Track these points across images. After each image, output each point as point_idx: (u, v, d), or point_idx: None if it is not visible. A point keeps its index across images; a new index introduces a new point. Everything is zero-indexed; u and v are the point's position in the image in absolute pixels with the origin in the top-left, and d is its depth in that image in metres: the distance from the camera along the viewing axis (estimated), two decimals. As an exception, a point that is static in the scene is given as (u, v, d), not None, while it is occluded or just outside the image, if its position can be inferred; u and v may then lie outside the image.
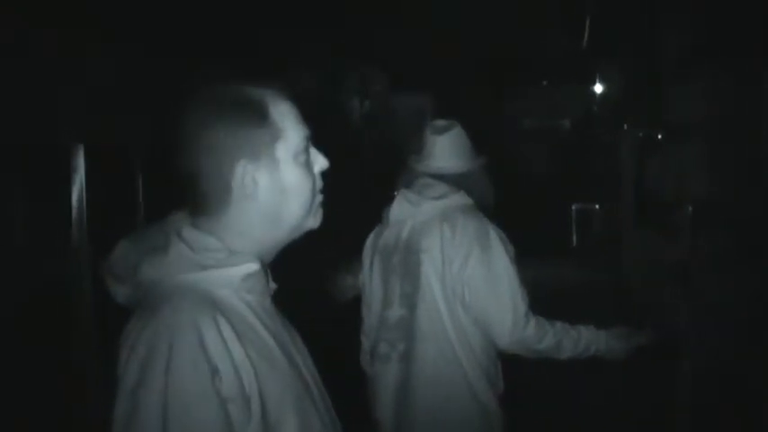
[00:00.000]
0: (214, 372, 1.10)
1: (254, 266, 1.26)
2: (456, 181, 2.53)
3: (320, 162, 1.34)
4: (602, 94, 6.58)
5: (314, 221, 1.34)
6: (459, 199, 2.48)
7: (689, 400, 3.66)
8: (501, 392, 2.49)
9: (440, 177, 2.54)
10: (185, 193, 1.28)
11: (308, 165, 1.31)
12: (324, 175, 1.35)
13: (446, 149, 2.55)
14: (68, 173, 3.36)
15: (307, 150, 1.31)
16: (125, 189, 3.87)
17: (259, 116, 1.25)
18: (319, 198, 1.34)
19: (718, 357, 3.43)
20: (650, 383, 3.79)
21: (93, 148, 3.42)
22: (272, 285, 1.35)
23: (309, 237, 1.36)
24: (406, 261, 2.47)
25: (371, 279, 2.60)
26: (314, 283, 2.88)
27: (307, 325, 1.47)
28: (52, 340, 3.15)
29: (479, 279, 2.36)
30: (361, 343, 2.68)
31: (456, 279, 2.38)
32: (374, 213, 2.69)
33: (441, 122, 2.60)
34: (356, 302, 2.74)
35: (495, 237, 2.40)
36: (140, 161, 3.95)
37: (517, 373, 2.59)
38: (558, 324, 2.39)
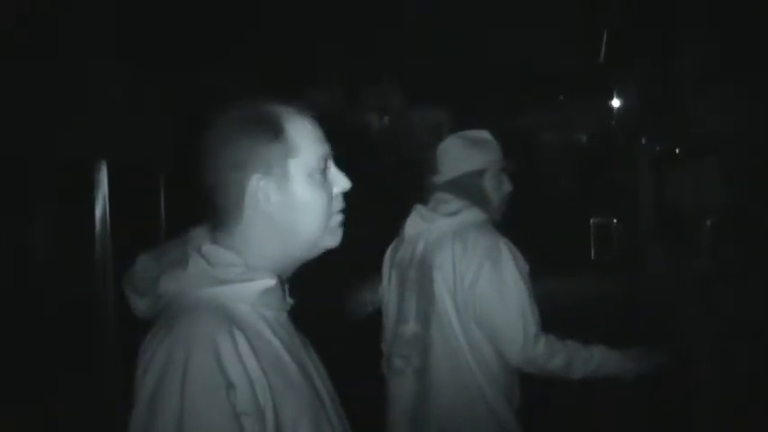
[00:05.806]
0: (229, 385, 1.13)
1: (271, 282, 1.27)
2: (448, 188, 2.51)
3: (340, 183, 1.34)
4: (619, 108, 6.56)
5: (331, 241, 1.35)
6: (472, 215, 2.47)
7: (707, 416, 3.63)
8: (517, 406, 2.48)
9: (441, 187, 2.53)
10: (205, 207, 1.31)
11: (323, 184, 1.31)
12: (346, 195, 1.35)
13: (441, 157, 2.54)
14: (92, 188, 3.41)
15: (323, 170, 1.32)
16: (148, 204, 3.91)
17: (274, 131, 1.27)
18: (338, 218, 1.35)
19: (738, 371, 3.41)
20: (668, 400, 3.77)
21: (116, 163, 3.47)
22: (289, 301, 1.37)
23: (327, 252, 1.37)
24: (421, 277, 2.47)
25: (389, 293, 2.61)
26: (332, 298, 2.90)
27: (324, 340, 1.49)
28: (76, 354, 3.19)
29: (489, 296, 2.34)
30: (380, 353, 2.69)
31: (468, 295, 2.37)
32: (393, 229, 2.70)
33: (461, 133, 2.59)
34: (373, 318, 2.76)
35: (506, 253, 2.37)
36: (163, 177, 3.99)
37: (534, 387, 2.58)
38: (570, 343, 2.35)
